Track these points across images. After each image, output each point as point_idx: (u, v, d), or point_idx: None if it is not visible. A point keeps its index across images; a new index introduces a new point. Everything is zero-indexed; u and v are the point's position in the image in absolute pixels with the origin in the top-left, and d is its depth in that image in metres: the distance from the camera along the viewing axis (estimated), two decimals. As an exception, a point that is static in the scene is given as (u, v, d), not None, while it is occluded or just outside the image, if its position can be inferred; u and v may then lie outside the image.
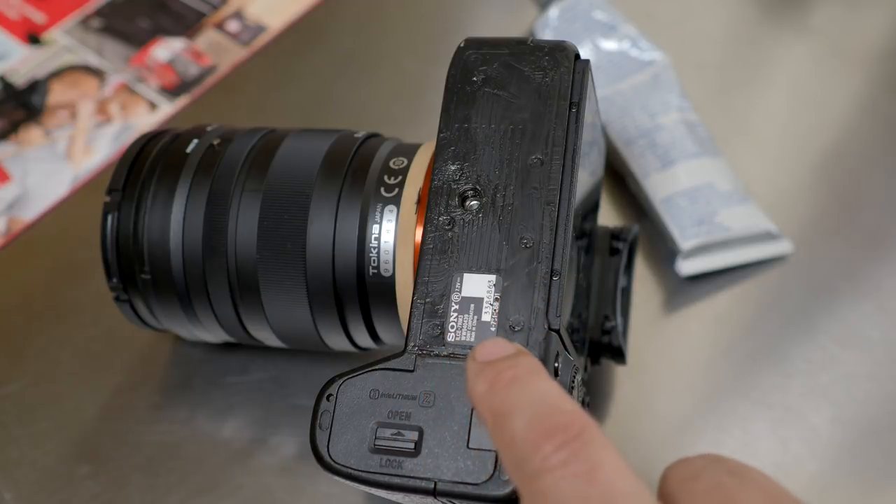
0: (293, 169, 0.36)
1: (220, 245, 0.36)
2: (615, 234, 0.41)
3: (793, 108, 0.54)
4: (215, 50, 0.57)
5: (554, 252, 0.31)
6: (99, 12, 0.58)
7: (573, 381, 0.30)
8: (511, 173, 0.32)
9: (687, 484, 0.24)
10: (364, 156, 0.37)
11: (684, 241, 0.45)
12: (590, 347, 0.40)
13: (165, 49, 0.57)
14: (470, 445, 0.28)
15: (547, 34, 0.54)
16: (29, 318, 0.46)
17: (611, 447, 0.23)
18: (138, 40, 0.57)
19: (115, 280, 0.38)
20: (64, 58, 0.56)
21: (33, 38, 0.57)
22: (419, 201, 0.34)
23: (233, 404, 0.43)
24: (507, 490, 0.28)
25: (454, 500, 0.29)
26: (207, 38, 0.57)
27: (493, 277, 0.31)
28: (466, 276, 0.31)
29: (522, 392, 0.25)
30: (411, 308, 0.31)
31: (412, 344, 0.30)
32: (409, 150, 0.37)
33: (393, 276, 0.35)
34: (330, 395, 0.30)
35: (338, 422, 0.30)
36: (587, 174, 0.36)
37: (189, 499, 0.40)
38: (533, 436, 0.24)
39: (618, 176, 0.50)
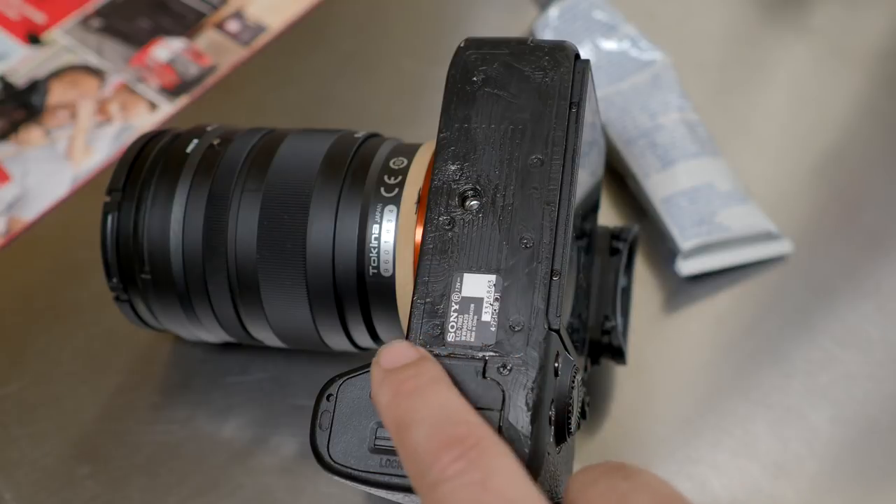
0: (293, 169, 0.36)
1: (220, 245, 0.36)
2: (615, 234, 0.41)
3: (793, 108, 0.54)
4: (215, 50, 0.57)
5: (554, 252, 0.31)
6: (99, 12, 0.58)
7: (573, 381, 0.30)
8: (511, 173, 0.32)
9: (585, 490, 0.25)
10: (364, 156, 0.37)
11: (684, 241, 0.46)
12: (590, 347, 0.40)
13: (165, 49, 0.57)
14: (470, 445, 0.28)
15: (547, 34, 0.54)
16: (29, 318, 0.46)
17: (507, 456, 0.24)
18: (138, 40, 0.57)
19: (115, 280, 0.38)
20: (64, 58, 0.56)
21: (33, 38, 0.57)
22: (419, 201, 0.34)
23: (233, 404, 0.43)
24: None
25: (454, 500, 0.29)
26: (207, 38, 0.57)
27: (493, 277, 0.31)
28: (466, 276, 0.31)
29: (423, 403, 0.26)
30: (411, 308, 0.31)
31: (412, 344, 0.30)
32: (409, 150, 0.37)
33: (393, 276, 0.35)
34: (330, 395, 0.30)
35: (338, 422, 0.30)
36: (587, 174, 0.36)
37: (189, 499, 0.40)
38: (432, 447, 0.25)
39: (618, 176, 0.50)
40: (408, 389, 0.27)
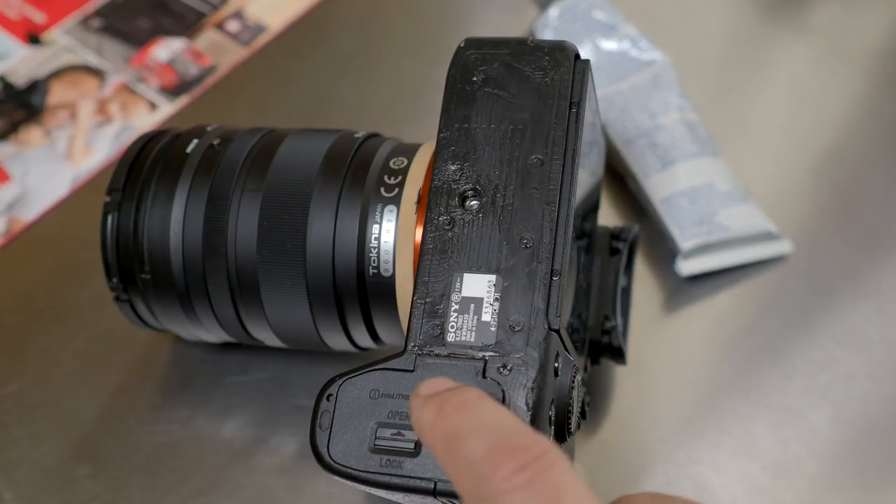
0: (293, 169, 0.36)
1: (220, 245, 0.36)
2: (615, 234, 0.41)
3: (793, 108, 0.54)
4: (215, 50, 0.57)
5: (554, 252, 0.31)
6: (99, 12, 0.58)
7: (573, 381, 0.30)
8: (511, 173, 0.32)
9: None
10: (364, 156, 0.37)
11: (684, 241, 0.46)
12: (590, 347, 0.40)
13: (165, 49, 0.57)
14: (470, 445, 0.28)
15: (547, 34, 0.54)
16: (29, 318, 0.46)
17: (573, 471, 0.23)
18: (138, 40, 0.57)
19: (115, 280, 0.38)
20: (64, 58, 0.56)
21: (33, 38, 0.57)
22: (419, 201, 0.34)
23: (233, 404, 0.43)
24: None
25: (454, 500, 0.29)
26: (207, 38, 0.57)
27: (493, 277, 0.31)
28: (466, 276, 0.31)
29: (475, 414, 0.25)
30: (411, 308, 0.31)
31: (412, 344, 0.30)
32: (409, 150, 0.37)
33: (393, 276, 0.35)
34: (330, 395, 0.30)
35: (338, 422, 0.30)
36: (587, 174, 0.36)
37: (189, 499, 0.40)
38: (492, 457, 0.23)
39: (618, 176, 0.50)
40: (455, 404, 0.25)
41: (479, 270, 0.31)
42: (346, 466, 0.29)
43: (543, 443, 0.23)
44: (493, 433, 0.24)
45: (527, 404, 0.28)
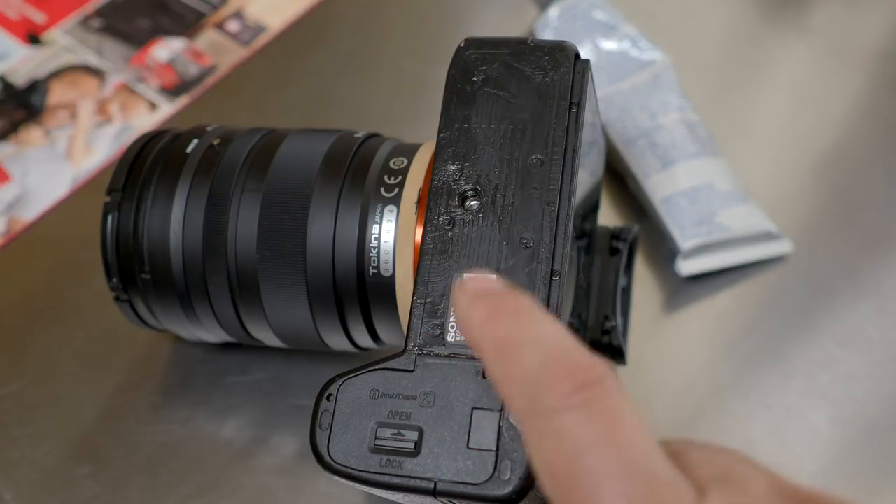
0: (293, 169, 0.36)
1: (220, 245, 0.36)
2: (615, 234, 0.41)
3: (793, 108, 0.54)
4: (215, 50, 0.57)
5: (554, 252, 0.31)
6: (99, 12, 0.58)
7: (573, 381, 0.30)
8: (511, 173, 0.32)
9: (686, 454, 0.24)
10: (364, 156, 0.37)
11: (684, 241, 0.46)
12: (590, 347, 0.40)
13: (165, 49, 0.57)
14: (470, 445, 0.28)
15: (547, 34, 0.54)
16: (29, 318, 0.46)
17: (630, 403, 0.22)
18: (138, 40, 0.57)
19: (115, 280, 0.38)
20: (64, 58, 0.56)
21: (33, 38, 0.57)
22: (419, 201, 0.34)
23: (233, 404, 0.43)
24: (507, 490, 0.28)
25: (454, 500, 0.29)
26: (207, 38, 0.57)
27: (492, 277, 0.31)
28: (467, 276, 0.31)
29: (531, 325, 0.23)
30: (411, 308, 0.31)
31: (412, 344, 0.30)
32: (409, 150, 0.37)
33: (393, 276, 0.35)
34: (330, 395, 0.30)
35: (338, 422, 0.30)
36: (587, 174, 0.36)
37: (189, 499, 0.40)
38: (549, 372, 0.22)
39: (618, 176, 0.50)
40: (510, 309, 0.23)
41: (479, 270, 0.31)
42: (346, 466, 0.29)
43: (604, 367, 0.23)
44: (551, 348, 0.23)
45: (527, 404, 0.28)
